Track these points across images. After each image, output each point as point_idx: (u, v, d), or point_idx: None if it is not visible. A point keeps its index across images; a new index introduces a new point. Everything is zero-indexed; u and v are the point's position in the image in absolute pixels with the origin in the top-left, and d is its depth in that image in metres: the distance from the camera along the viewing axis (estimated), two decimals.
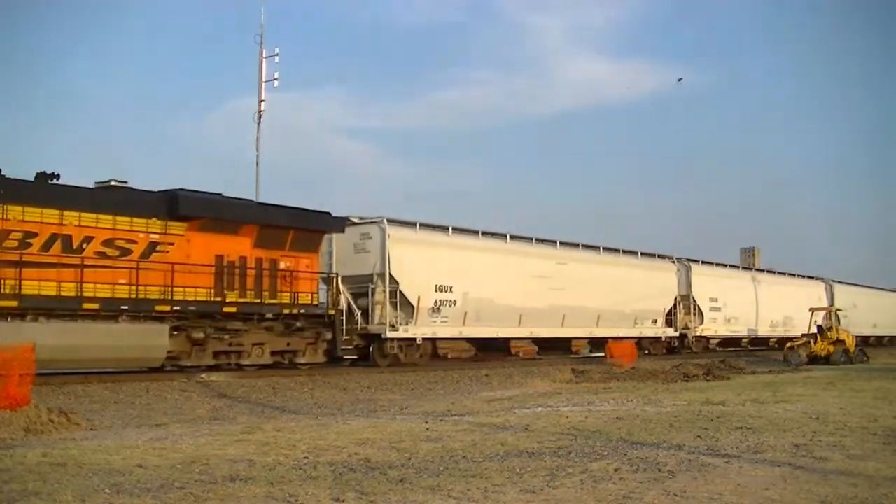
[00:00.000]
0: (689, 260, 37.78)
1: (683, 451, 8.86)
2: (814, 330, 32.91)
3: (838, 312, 36.12)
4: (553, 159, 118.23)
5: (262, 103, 33.67)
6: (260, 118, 33.48)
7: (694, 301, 36.74)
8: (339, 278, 22.86)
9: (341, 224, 23.06)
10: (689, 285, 36.76)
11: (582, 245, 31.77)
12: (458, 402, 15.86)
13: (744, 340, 41.72)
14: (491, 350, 29.30)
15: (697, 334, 36.97)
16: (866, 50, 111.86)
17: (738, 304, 39.61)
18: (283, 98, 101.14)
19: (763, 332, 42.02)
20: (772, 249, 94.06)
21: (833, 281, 48.95)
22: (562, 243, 30.52)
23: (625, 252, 34.07)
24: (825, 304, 44.08)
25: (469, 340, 28.04)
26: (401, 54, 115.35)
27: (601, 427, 11.03)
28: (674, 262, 36.88)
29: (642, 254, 35.09)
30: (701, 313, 37.18)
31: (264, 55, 33.70)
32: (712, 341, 38.92)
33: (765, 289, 42.28)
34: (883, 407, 13.66)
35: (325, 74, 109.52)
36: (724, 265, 41.79)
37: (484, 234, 27.29)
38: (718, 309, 38.27)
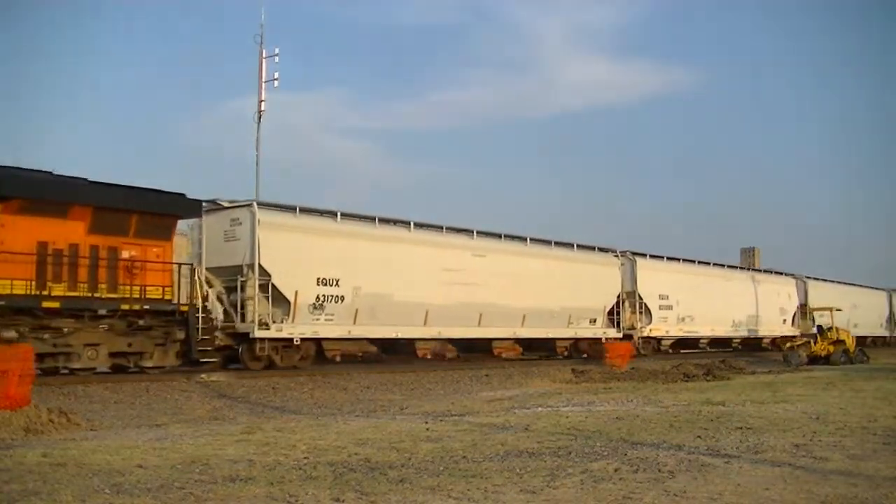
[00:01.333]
0: (634, 253, 33.70)
1: (683, 451, 8.86)
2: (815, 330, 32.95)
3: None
4: (553, 159, 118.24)
5: (263, 103, 33.71)
6: (260, 118, 33.52)
7: (640, 298, 32.91)
8: (205, 270, 20.03)
9: (197, 208, 20.18)
10: (634, 281, 32.74)
11: (505, 235, 28.03)
12: (458, 402, 15.88)
13: (702, 342, 37.68)
14: (398, 352, 25.91)
15: (645, 335, 33.00)
16: (866, 50, 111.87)
17: (693, 302, 35.48)
18: (283, 98, 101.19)
19: (723, 332, 38.34)
20: (773, 250, 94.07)
21: (807, 277, 45.51)
22: (480, 233, 26.90)
23: (557, 244, 29.99)
24: (796, 301, 42.35)
25: (371, 341, 24.59)
26: (401, 54, 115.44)
27: (601, 427, 11.03)
28: (617, 255, 32.70)
29: (579, 246, 31.00)
30: (649, 312, 33.28)
31: (264, 55, 33.74)
32: (664, 343, 34.99)
33: (726, 286, 38.68)
34: (883, 407, 13.68)
35: (325, 74, 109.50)
36: (678, 259, 37.13)
37: (382, 221, 23.93)
38: (669, 307, 34.29)
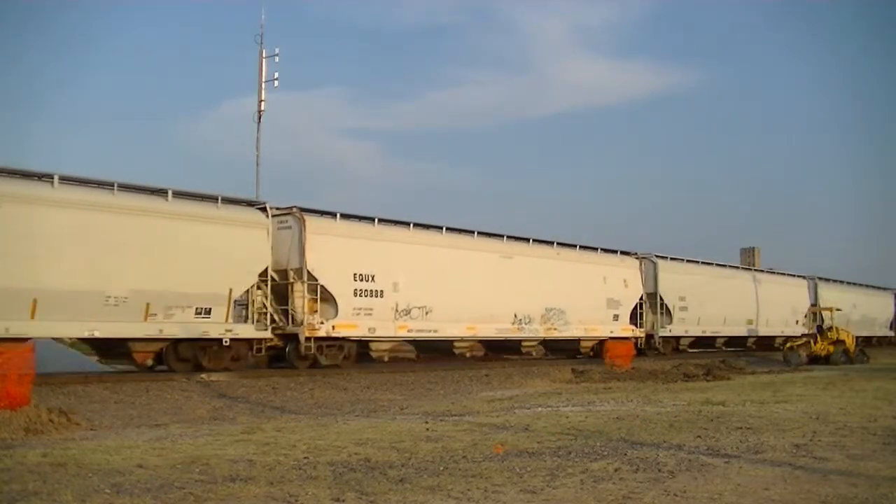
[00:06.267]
0: (302, 210, 21.00)
1: (683, 451, 8.87)
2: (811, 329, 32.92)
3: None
4: (552, 159, 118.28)
5: (263, 103, 33.70)
6: (260, 118, 33.48)
7: (311, 279, 20.36)
8: None
9: None
10: (301, 253, 20.39)
11: (42, 176, 16.56)
12: (458, 402, 15.87)
13: (457, 346, 24.98)
14: None
15: (322, 335, 20.47)
16: (866, 49, 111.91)
17: (432, 287, 23.00)
18: (283, 98, 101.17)
19: (493, 331, 25.27)
20: (772, 249, 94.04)
21: (657, 256, 32.48)
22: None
23: (127, 188, 17.84)
24: (639, 290, 30.67)
25: None
26: (400, 54, 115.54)
27: (601, 427, 11.04)
28: (266, 213, 20.06)
29: (179, 194, 18.62)
30: (334, 301, 20.84)
31: (264, 55, 33.71)
32: (376, 348, 22.56)
33: (507, 266, 25.66)
34: (883, 407, 13.69)
35: (325, 74, 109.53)
36: (406, 224, 23.61)
37: None
38: (378, 293, 21.65)
